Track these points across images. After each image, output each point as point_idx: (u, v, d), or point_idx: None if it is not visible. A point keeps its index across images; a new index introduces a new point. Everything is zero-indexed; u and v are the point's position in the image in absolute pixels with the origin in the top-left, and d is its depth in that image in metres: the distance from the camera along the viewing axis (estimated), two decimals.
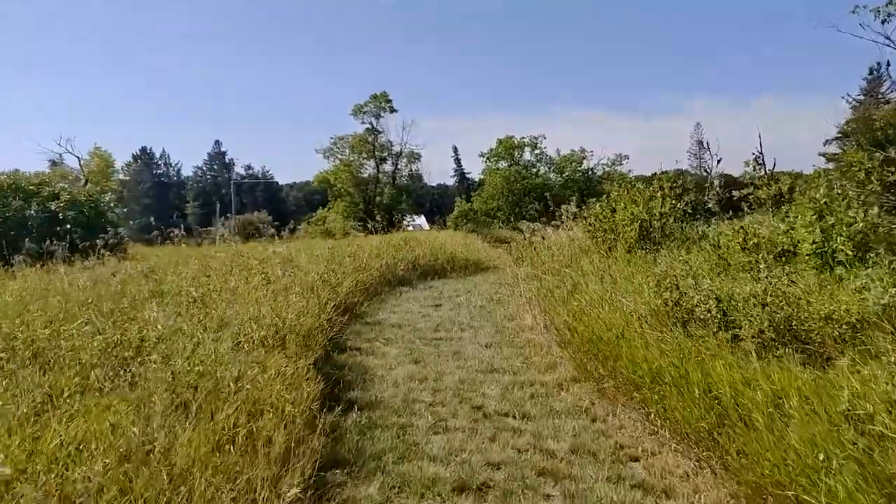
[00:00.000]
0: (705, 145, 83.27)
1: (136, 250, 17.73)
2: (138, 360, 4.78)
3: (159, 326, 5.55)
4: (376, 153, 46.56)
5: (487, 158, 52.01)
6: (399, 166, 48.64)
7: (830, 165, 56.05)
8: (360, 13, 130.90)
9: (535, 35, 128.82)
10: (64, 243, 12.32)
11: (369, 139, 46.05)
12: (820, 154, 62.16)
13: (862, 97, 57.84)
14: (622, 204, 10.91)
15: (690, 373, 4.57)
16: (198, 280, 8.79)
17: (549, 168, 50.97)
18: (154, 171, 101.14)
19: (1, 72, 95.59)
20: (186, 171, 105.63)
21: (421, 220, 63.06)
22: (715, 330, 5.11)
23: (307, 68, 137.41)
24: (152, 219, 24.44)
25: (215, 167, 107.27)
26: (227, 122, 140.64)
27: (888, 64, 56.51)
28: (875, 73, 57.72)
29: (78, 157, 38.66)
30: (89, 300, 6.72)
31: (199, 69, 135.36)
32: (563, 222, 13.79)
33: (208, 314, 6.61)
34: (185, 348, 5.05)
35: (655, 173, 11.92)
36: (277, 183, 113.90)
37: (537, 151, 50.78)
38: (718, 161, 13.91)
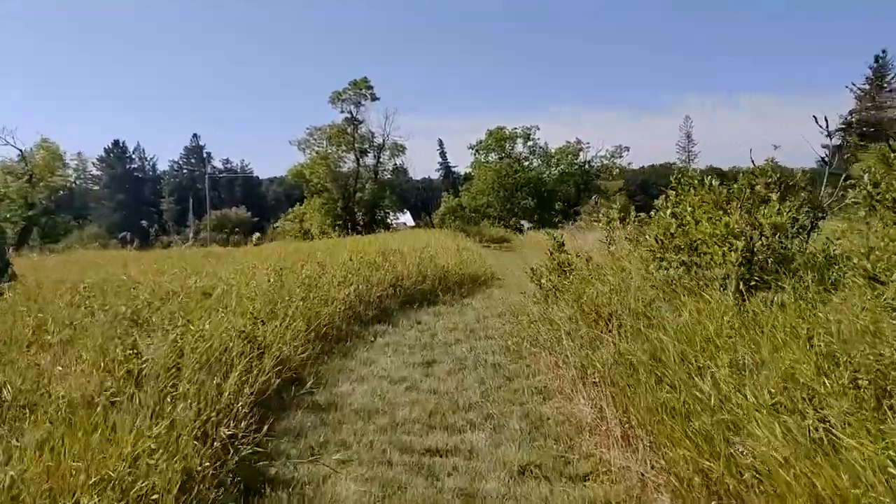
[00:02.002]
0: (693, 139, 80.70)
1: (36, 265, 13.81)
2: None
3: None
4: (356, 145, 42.63)
5: (477, 150, 48.29)
6: (381, 159, 44.78)
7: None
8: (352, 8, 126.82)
9: (515, 34, 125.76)
10: None
11: (348, 130, 42.09)
12: (823, 146, 59.90)
13: (867, 86, 55.43)
14: (702, 210, 7.40)
15: None
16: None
17: (543, 161, 47.44)
18: (128, 166, 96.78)
19: None
20: (162, 166, 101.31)
21: (406, 217, 59.23)
22: None
23: (294, 57, 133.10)
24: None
25: (192, 161, 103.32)
26: (206, 114, 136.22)
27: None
28: (880, 60, 55.39)
29: (20, 150, 34.27)
30: None
31: (179, 59, 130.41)
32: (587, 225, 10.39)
33: None
34: None
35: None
36: (257, 177, 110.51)
37: (530, 143, 47.23)
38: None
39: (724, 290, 6.04)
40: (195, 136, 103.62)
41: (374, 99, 41.58)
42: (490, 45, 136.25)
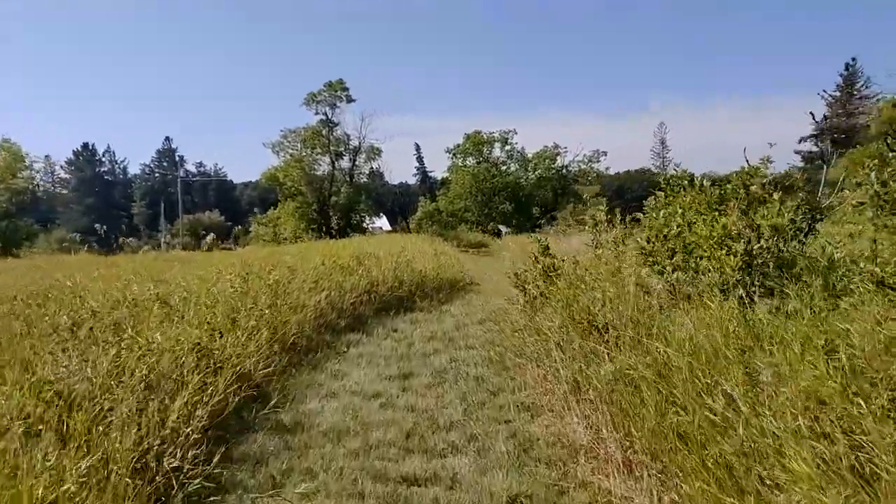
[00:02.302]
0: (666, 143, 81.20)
1: None
2: None
3: None
4: (331, 148, 41.84)
5: (454, 155, 47.89)
6: (357, 163, 44.03)
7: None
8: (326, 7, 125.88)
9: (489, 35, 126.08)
10: None
11: (323, 132, 41.29)
12: (795, 152, 60.82)
13: (838, 93, 56.44)
14: (693, 211, 7.00)
15: None
16: None
17: (521, 165, 47.19)
18: (97, 169, 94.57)
19: None
20: (134, 169, 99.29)
21: (382, 222, 58.52)
22: None
23: (270, 57, 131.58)
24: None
25: (164, 165, 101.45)
26: (180, 115, 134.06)
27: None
28: (850, 68, 56.46)
29: None
30: None
31: (153, 59, 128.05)
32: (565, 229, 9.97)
33: None
34: None
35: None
36: (231, 181, 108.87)
37: (508, 147, 46.98)
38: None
39: (724, 296, 5.61)
40: (167, 139, 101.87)
41: (350, 101, 40.94)
42: (465, 45, 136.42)
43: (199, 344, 5.25)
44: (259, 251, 21.46)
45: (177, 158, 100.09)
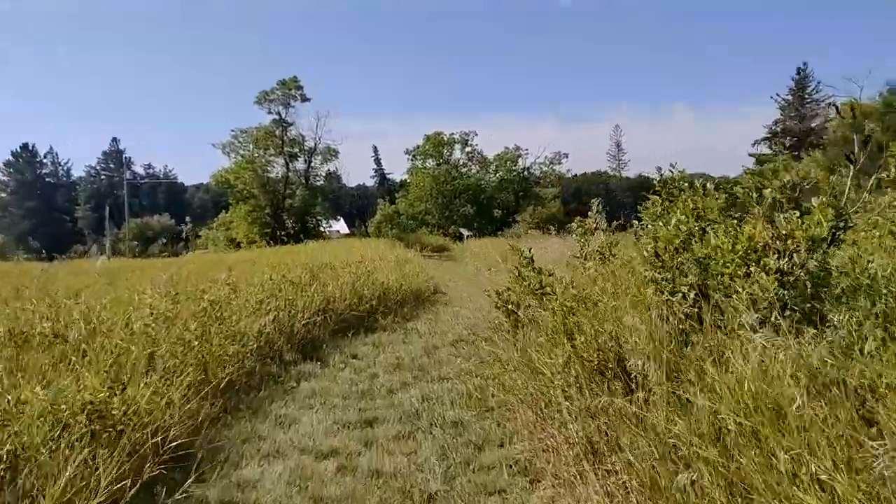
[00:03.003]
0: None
1: None
2: None
3: None
4: (286, 149, 40.05)
5: (414, 156, 46.71)
6: (313, 164, 42.34)
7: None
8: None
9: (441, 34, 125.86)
10: None
11: (277, 132, 39.49)
12: (750, 154, 61.90)
13: (790, 97, 57.64)
14: (701, 218, 6.02)
15: None
16: None
17: (482, 167, 46.32)
18: (38, 171, 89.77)
19: None
20: (78, 171, 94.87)
21: (339, 225, 56.78)
22: None
23: (219, 58, 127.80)
24: None
25: (111, 166, 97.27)
26: (126, 116, 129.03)
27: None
28: (802, 72, 57.74)
29: None
30: None
31: (98, 59, 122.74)
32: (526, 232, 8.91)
33: None
34: None
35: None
36: (182, 183, 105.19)
37: (468, 149, 46.04)
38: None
39: (761, 325, 4.59)
40: (115, 139, 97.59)
41: (305, 100, 39.29)
42: (425, 45, 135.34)
43: (92, 403, 3.91)
44: (202, 259, 19.83)
45: (124, 160, 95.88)
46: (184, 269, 12.24)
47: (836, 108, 39.02)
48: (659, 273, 5.80)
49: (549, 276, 6.81)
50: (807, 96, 55.77)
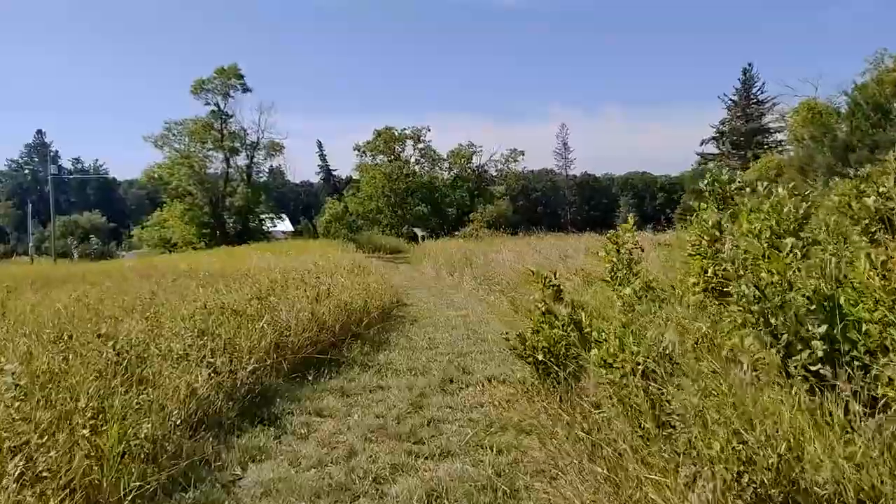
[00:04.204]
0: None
1: None
2: None
3: None
4: (225, 143, 37.15)
5: (363, 152, 44.45)
6: (256, 159, 39.59)
7: (710, 165, 55.87)
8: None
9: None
10: None
11: (215, 125, 36.56)
12: (696, 153, 62.57)
13: (736, 98, 58.42)
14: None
15: None
16: None
17: (436, 164, 44.57)
18: None
19: None
20: None
21: (285, 224, 53.86)
22: None
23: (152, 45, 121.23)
24: None
25: (35, 160, 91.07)
26: (52, 106, 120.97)
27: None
28: (747, 73, 58.59)
29: None
30: None
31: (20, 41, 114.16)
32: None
33: None
34: None
35: None
36: (114, 178, 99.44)
37: (421, 145, 44.16)
38: None
39: None
40: (39, 132, 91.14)
41: (246, 90, 36.52)
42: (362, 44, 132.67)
43: None
44: (125, 267, 17.30)
45: (49, 154, 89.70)
46: (97, 287, 9.94)
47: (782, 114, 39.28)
48: (759, 317, 4.20)
49: (582, 309, 5.12)
50: (752, 97, 56.61)
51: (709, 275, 4.96)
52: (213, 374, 5.37)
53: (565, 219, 78.35)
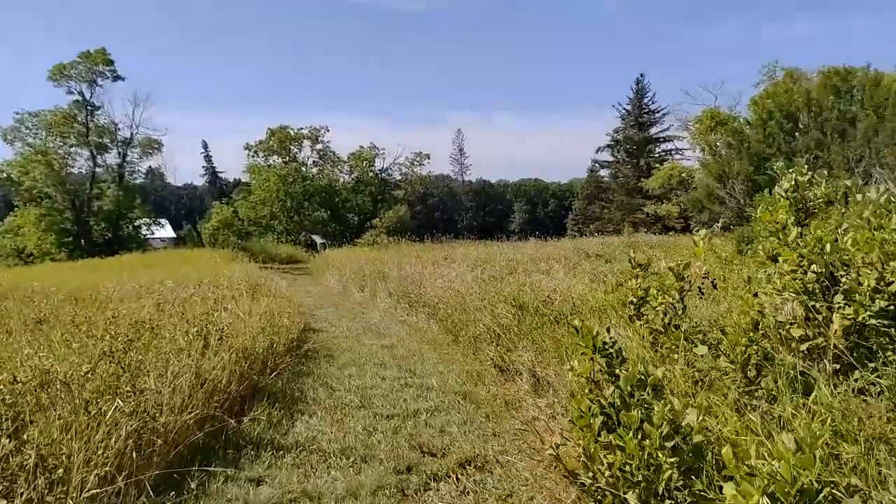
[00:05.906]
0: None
1: None
2: None
3: None
4: (92, 137, 32.27)
5: (255, 152, 40.71)
6: (130, 158, 34.84)
7: (604, 172, 56.97)
8: None
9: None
10: None
11: (79, 117, 31.65)
12: (593, 160, 64.04)
13: (629, 107, 60.28)
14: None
15: None
16: None
17: (335, 167, 41.72)
18: None
19: None
20: None
21: (165, 231, 48.56)
22: None
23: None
24: None
25: None
26: None
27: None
28: (640, 83, 60.66)
29: None
30: None
31: None
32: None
33: None
34: None
35: None
36: None
37: (320, 146, 41.16)
38: None
39: None
40: None
41: (118, 78, 31.91)
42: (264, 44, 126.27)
43: None
44: None
45: None
46: None
47: (685, 122, 40.66)
48: None
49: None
50: (644, 106, 58.57)
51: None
52: None
53: (462, 224, 78.02)
